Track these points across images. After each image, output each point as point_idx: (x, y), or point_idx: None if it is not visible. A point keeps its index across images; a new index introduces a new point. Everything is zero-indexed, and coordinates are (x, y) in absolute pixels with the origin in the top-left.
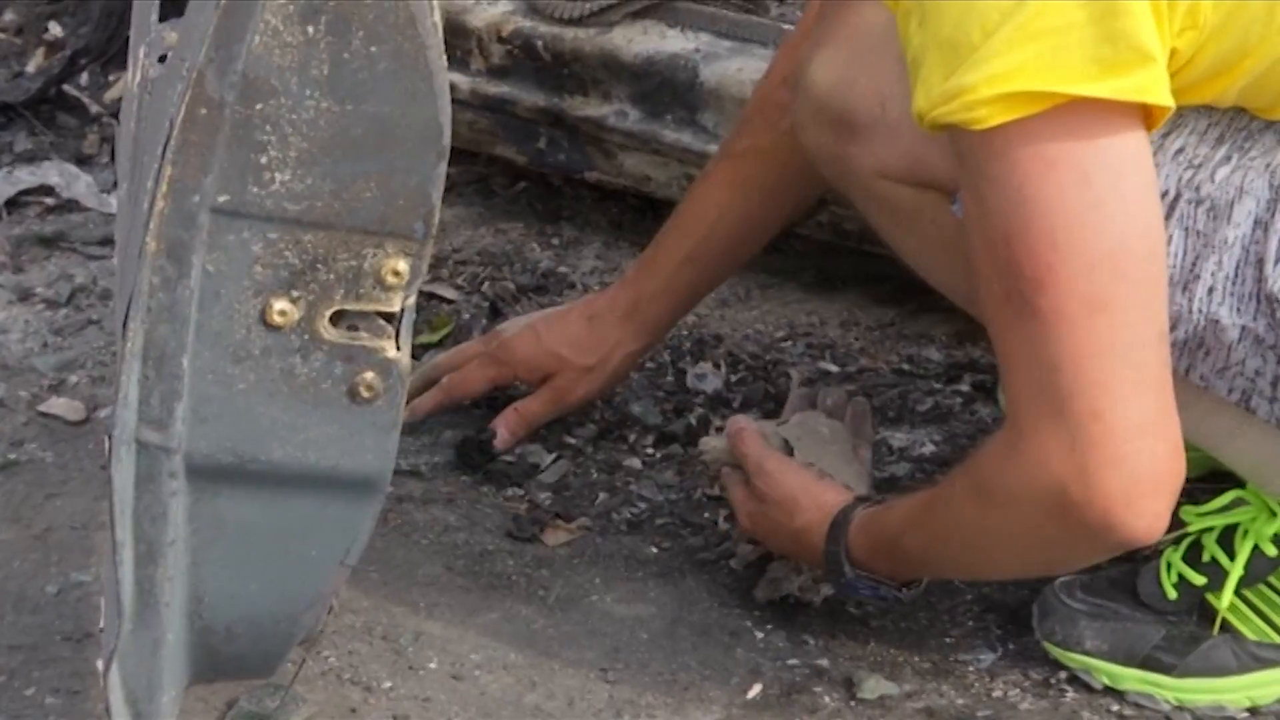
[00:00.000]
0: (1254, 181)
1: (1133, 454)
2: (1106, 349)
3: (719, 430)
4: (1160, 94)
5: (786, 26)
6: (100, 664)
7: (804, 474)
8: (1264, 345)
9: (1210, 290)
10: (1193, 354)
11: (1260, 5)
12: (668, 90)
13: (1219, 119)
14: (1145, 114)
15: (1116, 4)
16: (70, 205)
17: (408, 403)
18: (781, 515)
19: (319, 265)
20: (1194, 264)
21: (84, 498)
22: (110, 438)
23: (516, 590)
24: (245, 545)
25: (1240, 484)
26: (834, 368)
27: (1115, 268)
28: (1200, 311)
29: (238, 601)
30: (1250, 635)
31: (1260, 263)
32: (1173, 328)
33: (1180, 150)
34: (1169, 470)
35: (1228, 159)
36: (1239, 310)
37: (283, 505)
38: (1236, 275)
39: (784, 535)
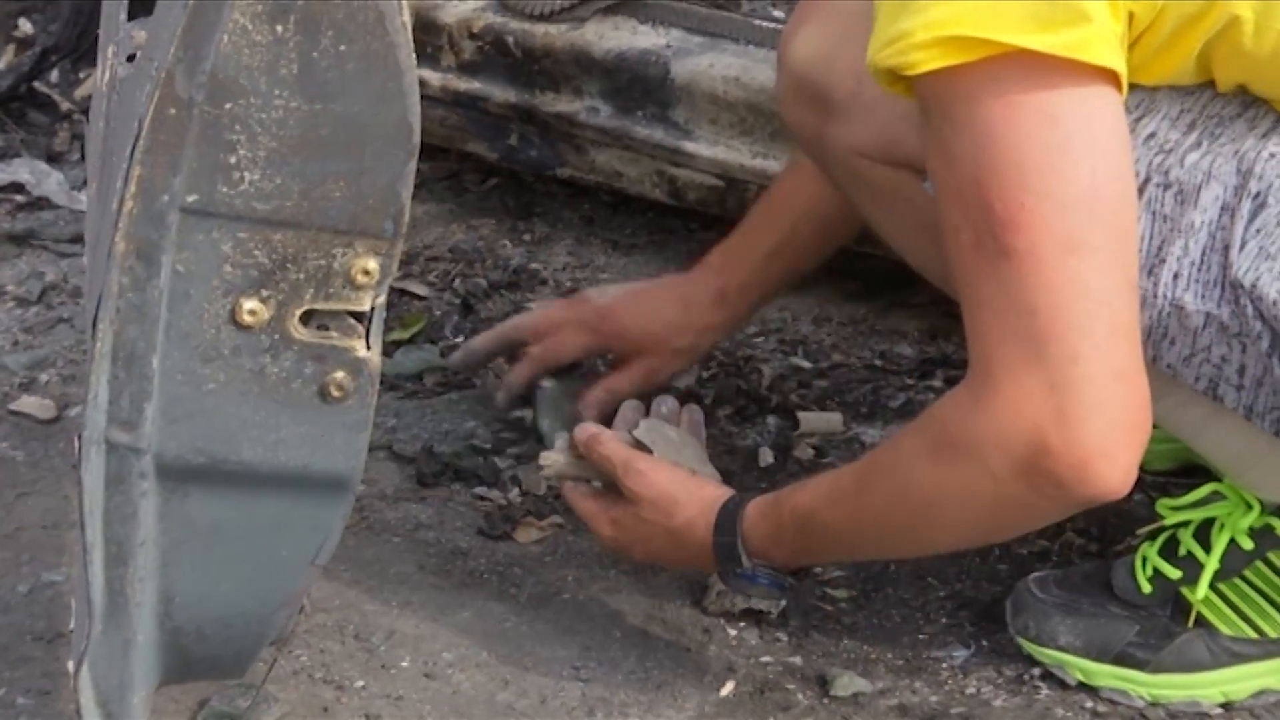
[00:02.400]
0: (1222, 167)
1: (1110, 400)
2: (1083, 291)
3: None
4: (1098, 54)
5: (758, 22)
6: (71, 664)
7: (677, 471)
8: (1229, 333)
9: (1175, 275)
10: (1158, 343)
11: None
12: (639, 86)
13: (1191, 105)
14: (1107, 77)
15: None
16: (41, 203)
17: (479, 362)
18: (658, 515)
19: (289, 265)
20: (1160, 248)
21: (55, 496)
22: (80, 438)
23: (489, 588)
24: (216, 546)
25: (1216, 477)
26: (806, 364)
27: (1088, 209)
28: (1165, 297)
29: (208, 602)
30: (1225, 630)
31: (1226, 249)
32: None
33: (1152, 135)
34: (1141, 421)
35: (1198, 144)
36: (1204, 297)
37: (253, 505)
38: (1202, 261)
39: (659, 535)
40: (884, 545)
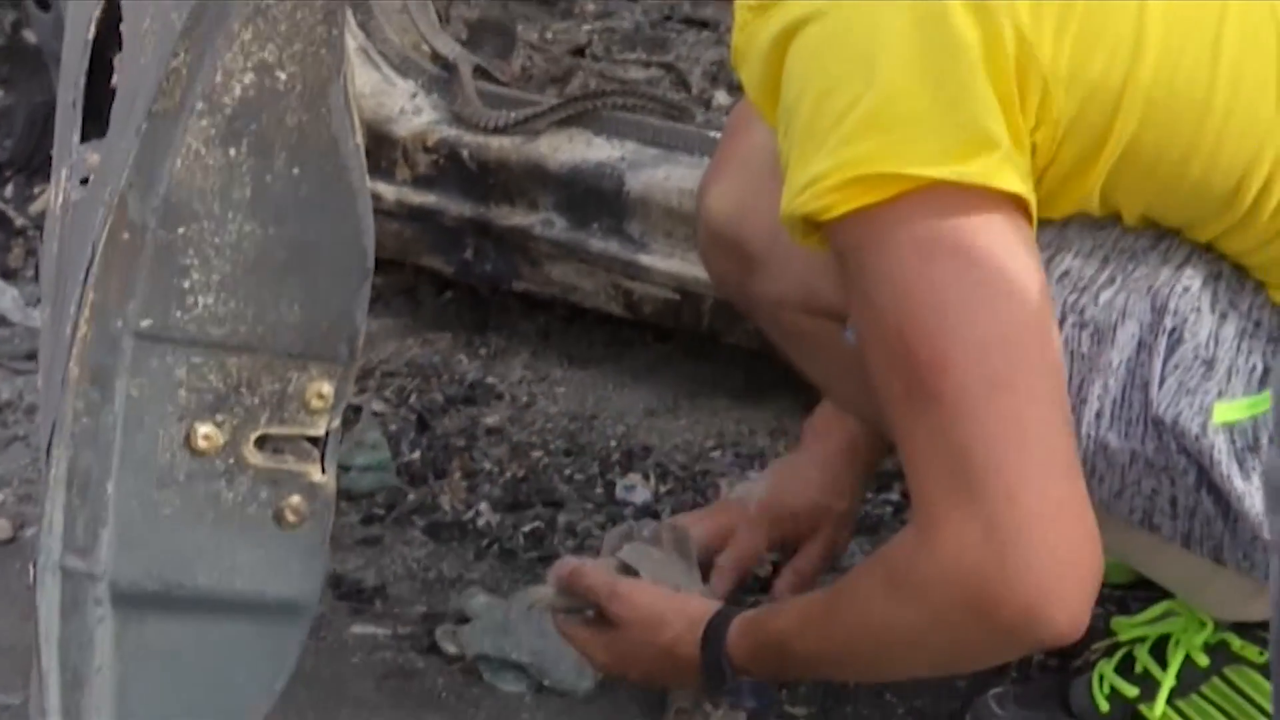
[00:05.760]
0: (1136, 304)
1: (1051, 539)
2: (1015, 430)
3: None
4: (1007, 180)
5: (712, 134)
6: None
7: (659, 590)
8: (1156, 468)
9: (1098, 414)
10: (1087, 480)
11: (1110, 92)
12: (594, 199)
13: (1104, 239)
14: (1018, 205)
15: (962, 94)
16: None
17: None
18: (646, 634)
19: (243, 389)
20: (1081, 387)
21: (11, 617)
22: (35, 565)
23: (447, 708)
24: (172, 671)
25: (1172, 594)
26: None
27: (1012, 346)
28: (1089, 436)
29: None
30: None
31: (1145, 385)
32: None
33: (1065, 273)
34: (1087, 559)
35: (1112, 280)
36: (1127, 435)
37: (210, 631)
38: (1123, 399)
39: (650, 655)
40: (854, 672)
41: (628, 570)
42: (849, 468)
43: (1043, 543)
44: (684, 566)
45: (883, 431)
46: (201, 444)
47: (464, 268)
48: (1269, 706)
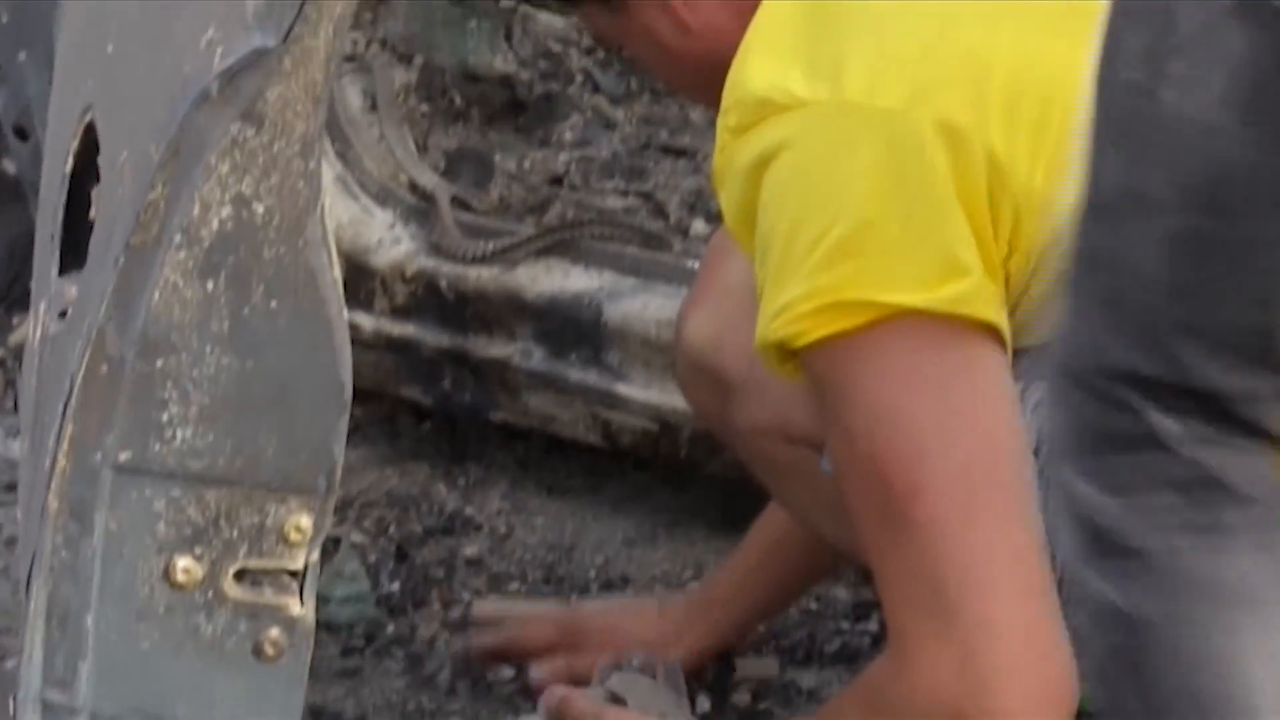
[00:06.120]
0: None
1: (1025, 668)
2: (988, 556)
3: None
4: (979, 308)
5: (690, 263)
6: None
7: (645, 719)
8: None
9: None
10: (1063, 608)
11: None
12: (572, 329)
13: None
14: (991, 333)
15: (934, 221)
16: None
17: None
18: None
19: (222, 522)
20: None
21: None
22: (15, 698)
23: None
24: None
25: None
26: None
27: (985, 472)
28: (1063, 567)
29: None
30: None
31: None
32: None
33: (1039, 404)
34: (1061, 686)
35: None
36: None
37: None
38: None
39: None
40: None
41: (616, 699)
42: (684, 621)
43: (1018, 670)
44: (673, 697)
45: (859, 559)
46: (180, 577)
47: (442, 398)
48: None
